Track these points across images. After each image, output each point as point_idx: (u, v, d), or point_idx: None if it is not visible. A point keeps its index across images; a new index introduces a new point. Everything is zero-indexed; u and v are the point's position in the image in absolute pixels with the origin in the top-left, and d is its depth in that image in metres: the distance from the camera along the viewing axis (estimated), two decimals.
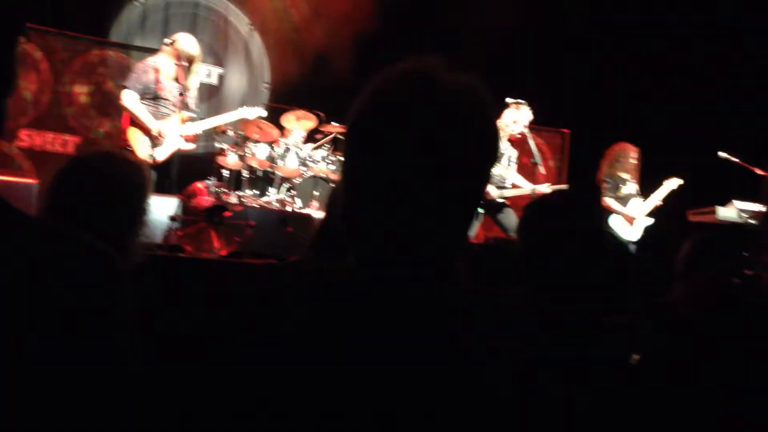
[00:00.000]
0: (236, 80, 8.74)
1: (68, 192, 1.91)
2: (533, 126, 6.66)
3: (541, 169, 6.48)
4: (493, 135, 1.06)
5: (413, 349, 0.96)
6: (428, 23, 8.25)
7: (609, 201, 7.11)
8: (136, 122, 5.73)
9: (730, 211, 6.44)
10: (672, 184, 7.11)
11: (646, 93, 8.65)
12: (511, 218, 6.29)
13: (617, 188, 7.10)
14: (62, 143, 7.71)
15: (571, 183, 9.34)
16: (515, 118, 6.31)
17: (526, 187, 6.53)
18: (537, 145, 6.55)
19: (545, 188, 6.33)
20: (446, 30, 7.93)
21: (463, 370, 0.96)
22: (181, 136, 5.87)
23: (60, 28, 7.59)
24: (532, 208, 2.13)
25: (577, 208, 2.04)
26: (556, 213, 2.04)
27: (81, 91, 7.86)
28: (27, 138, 7.52)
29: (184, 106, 5.84)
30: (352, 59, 7.95)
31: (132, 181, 2.04)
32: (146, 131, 5.74)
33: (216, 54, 8.61)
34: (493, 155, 1.07)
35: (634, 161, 7.09)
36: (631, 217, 7.05)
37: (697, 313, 2.59)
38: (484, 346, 0.99)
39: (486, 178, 1.07)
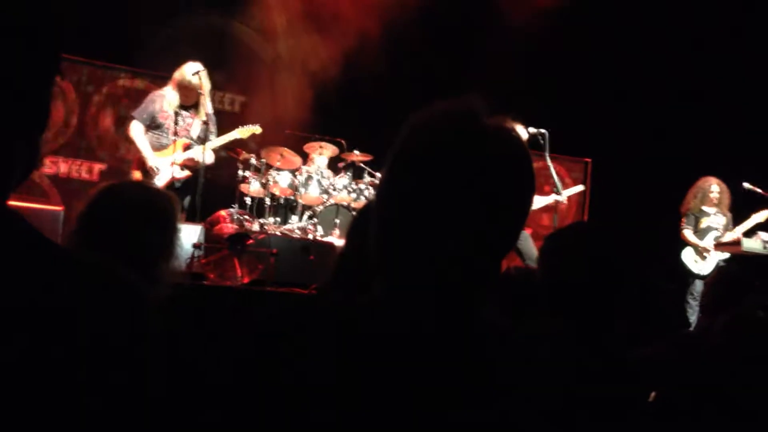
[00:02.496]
0: (258, 109, 8.80)
1: (100, 221, 1.92)
2: (554, 155, 6.64)
3: (563, 198, 6.47)
4: (532, 175, 1.08)
5: (439, 384, 0.96)
6: (449, 50, 8.28)
7: (686, 233, 7.09)
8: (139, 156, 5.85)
9: (755, 243, 6.40)
10: (759, 217, 6.98)
11: (669, 122, 8.63)
12: (528, 244, 6.23)
13: (696, 221, 7.07)
14: (88, 170, 7.80)
15: (593, 211, 9.32)
16: None
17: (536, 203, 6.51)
18: (558, 173, 6.54)
19: (553, 198, 6.32)
20: (467, 58, 7.97)
21: (488, 408, 0.96)
22: (177, 164, 5.90)
23: (87, 56, 7.71)
24: (553, 238, 2.12)
25: (598, 238, 2.03)
26: (577, 244, 2.02)
27: (107, 119, 7.96)
28: (53, 165, 7.62)
29: (185, 133, 5.90)
30: (374, 88, 7.99)
31: (163, 210, 2.05)
32: (143, 164, 5.83)
33: (239, 83, 8.70)
34: (531, 194, 1.08)
35: (715, 194, 7.02)
36: (706, 247, 6.97)
37: (723, 347, 2.57)
38: (510, 385, 0.99)
39: (524, 217, 1.08)
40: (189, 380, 1.43)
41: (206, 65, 6.06)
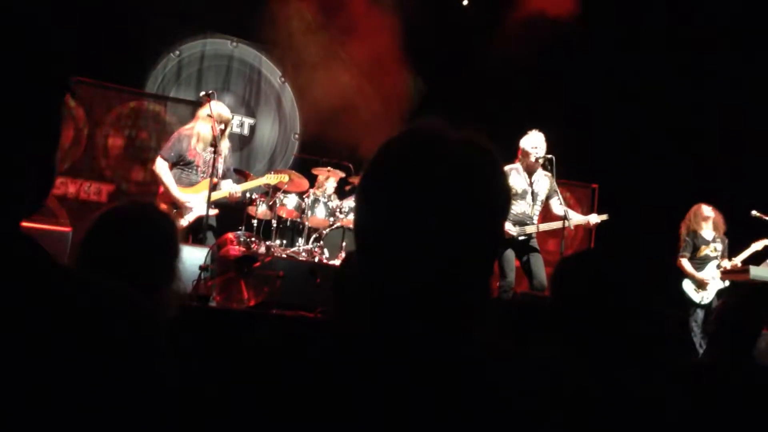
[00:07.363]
0: (267, 131, 8.87)
1: (103, 244, 1.92)
2: (562, 180, 6.62)
3: (571, 224, 6.45)
4: (503, 189, 1.07)
5: (429, 412, 0.94)
6: (454, 76, 8.33)
7: (682, 261, 7.04)
8: (165, 190, 5.94)
9: (763, 271, 6.37)
10: (758, 245, 6.96)
11: (676, 148, 8.63)
12: (538, 265, 6.18)
13: (695, 249, 7.00)
14: (96, 191, 7.84)
15: (599, 237, 9.29)
16: (533, 143, 6.25)
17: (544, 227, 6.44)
18: (565, 198, 6.52)
19: (572, 219, 6.28)
20: (473, 84, 8.01)
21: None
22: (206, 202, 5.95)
23: (96, 78, 7.78)
24: (564, 263, 2.11)
25: (608, 264, 2.01)
26: (588, 269, 2.01)
27: (116, 141, 8.01)
28: (62, 186, 7.66)
29: (214, 171, 5.95)
30: (384, 109, 8.04)
31: (165, 232, 2.05)
32: (173, 200, 5.92)
33: (248, 105, 8.77)
34: (504, 209, 1.08)
35: (704, 220, 6.99)
36: (703, 279, 6.93)
37: (721, 378, 2.55)
38: (508, 411, 0.97)
39: (498, 232, 1.08)
40: (194, 401, 1.42)
41: (216, 90, 6.14)
